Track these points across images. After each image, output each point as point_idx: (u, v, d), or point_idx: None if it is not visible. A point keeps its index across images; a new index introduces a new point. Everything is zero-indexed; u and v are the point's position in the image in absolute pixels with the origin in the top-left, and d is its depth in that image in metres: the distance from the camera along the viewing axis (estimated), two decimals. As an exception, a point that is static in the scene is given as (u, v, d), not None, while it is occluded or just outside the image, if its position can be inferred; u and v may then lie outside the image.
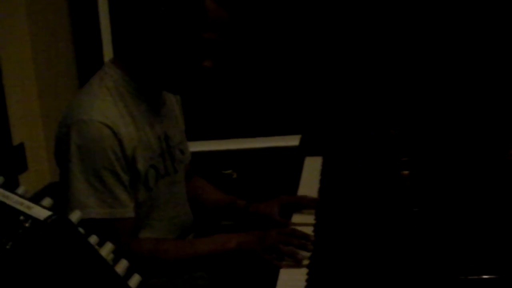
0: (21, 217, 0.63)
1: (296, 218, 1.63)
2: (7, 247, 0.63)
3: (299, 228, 1.46)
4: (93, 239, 0.72)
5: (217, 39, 1.36)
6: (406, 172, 1.76)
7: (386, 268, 1.25)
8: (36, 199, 0.67)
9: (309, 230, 1.50)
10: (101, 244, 0.73)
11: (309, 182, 1.88)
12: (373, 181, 1.77)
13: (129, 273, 0.75)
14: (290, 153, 2.38)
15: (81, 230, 0.68)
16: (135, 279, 0.75)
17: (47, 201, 0.68)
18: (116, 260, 0.74)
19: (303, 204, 1.69)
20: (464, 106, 2.27)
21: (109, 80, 1.38)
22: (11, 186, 0.69)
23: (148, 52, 1.38)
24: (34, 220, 0.63)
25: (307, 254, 1.35)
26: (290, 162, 2.20)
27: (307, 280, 1.26)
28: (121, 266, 0.74)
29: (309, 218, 1.61)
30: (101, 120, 1.30)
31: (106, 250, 0.73)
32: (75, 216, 0.69)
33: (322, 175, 1.95)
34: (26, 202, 0.65)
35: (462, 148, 1.92)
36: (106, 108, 1.33)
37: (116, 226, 1.31)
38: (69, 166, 1.29)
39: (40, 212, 0.64)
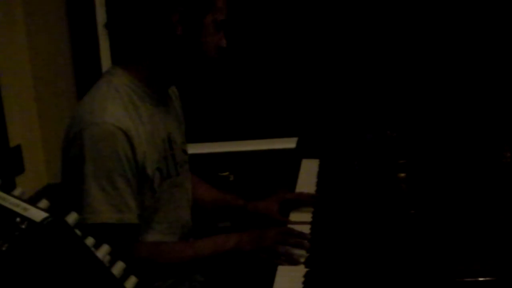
0: (18, 219, 0.63)
1: (294, 217, 1.64)
2: (3, 249, 0.62)
3: (297, 226, 1.47)
4: (90, 241, 0.72)
5: (225, 19, 1.42)
6: (402, 174, 1.76)
7: (383, 270, 1.25)
8: (33, 201, 0.67)
9: (306, 228, 1.51)
10: (97, 246, 0.73)
11: (306, 184, 1.88)
12: (369, 183, 1.78)
13: (125, 275, 0.75)
14: (287, 155, 2.38)
15: (77, 232, 0.68)
16: (131, 281, 0.75)
17: (43, 203, 0.68)
18: (112, 262, 0.74)
19: (303, 200, 1.69)
20: (461, 109, 2.27)
21: (118, 83, 1.37)
22: (8, 187, 0.69)
23: (165, 49, 1.39)
24: (31, 222, 0.63)
25: (304, 252, 1.36)
26: (287, 164, 2.21)
27: (304, 277, 1.27)
28: (118, 268, 0.74)
29: (307, 217, 1.62)
30: (115, 123, 1.28)
31: (103, 252, 0.73)
32: (71, 218, 0.69)
33: (319, 177, 1.95)
34: (23, 204, 0.65)
35: (458, 150, 1.92)
36: (118, 111, 1.32)
37: (123, 232, 1.30)
38: (81, 169, 1.27)
39: (37, 214, 0.64)
